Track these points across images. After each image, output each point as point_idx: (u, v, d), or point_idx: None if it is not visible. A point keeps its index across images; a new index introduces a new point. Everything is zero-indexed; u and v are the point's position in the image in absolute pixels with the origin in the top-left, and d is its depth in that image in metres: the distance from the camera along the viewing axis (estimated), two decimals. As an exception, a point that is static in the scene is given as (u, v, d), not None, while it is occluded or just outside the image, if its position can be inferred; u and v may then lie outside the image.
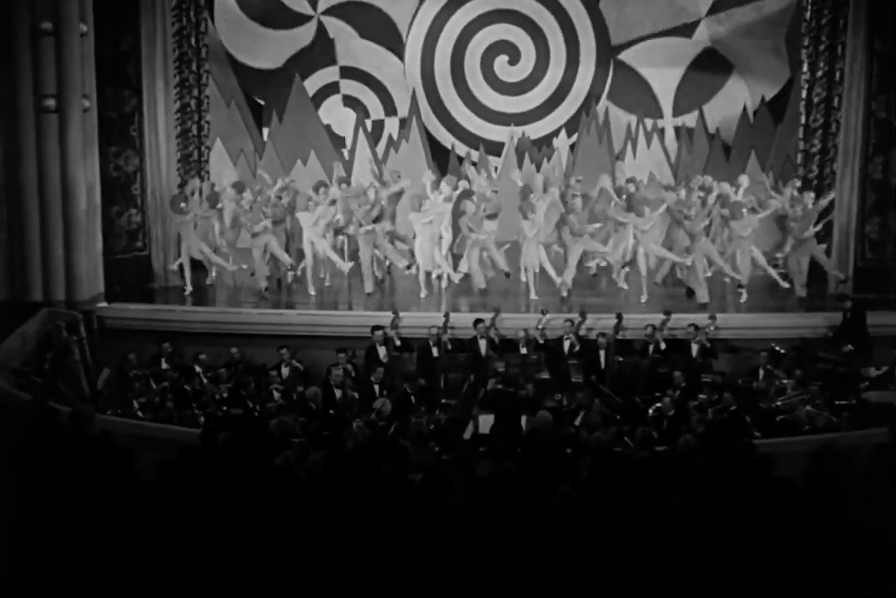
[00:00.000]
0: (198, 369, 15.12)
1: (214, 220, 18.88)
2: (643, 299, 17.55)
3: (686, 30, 22.01)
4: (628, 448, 10.68)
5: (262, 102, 22.26)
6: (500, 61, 22.63)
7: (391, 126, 22.53)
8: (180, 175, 19.97)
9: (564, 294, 17.44)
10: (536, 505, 7.69)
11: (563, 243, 18.09)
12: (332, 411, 13.49)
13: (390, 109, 22.53)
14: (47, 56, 16.21)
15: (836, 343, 15.72)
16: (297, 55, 22.28)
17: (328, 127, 22.37)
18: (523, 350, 15.52)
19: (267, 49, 22.21)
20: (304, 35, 22.28)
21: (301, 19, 22.22)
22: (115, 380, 15.00)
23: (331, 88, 22.48)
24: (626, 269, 18.02)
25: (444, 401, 14.33)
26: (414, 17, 22.32)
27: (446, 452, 10.91)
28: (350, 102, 22.48)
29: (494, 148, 22.57)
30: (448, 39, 22.46)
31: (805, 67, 19.99)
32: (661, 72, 22.16)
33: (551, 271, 17.63)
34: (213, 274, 18.83)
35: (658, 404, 13.52)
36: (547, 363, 15.39)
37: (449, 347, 15.58)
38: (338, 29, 22.30)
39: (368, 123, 22.40)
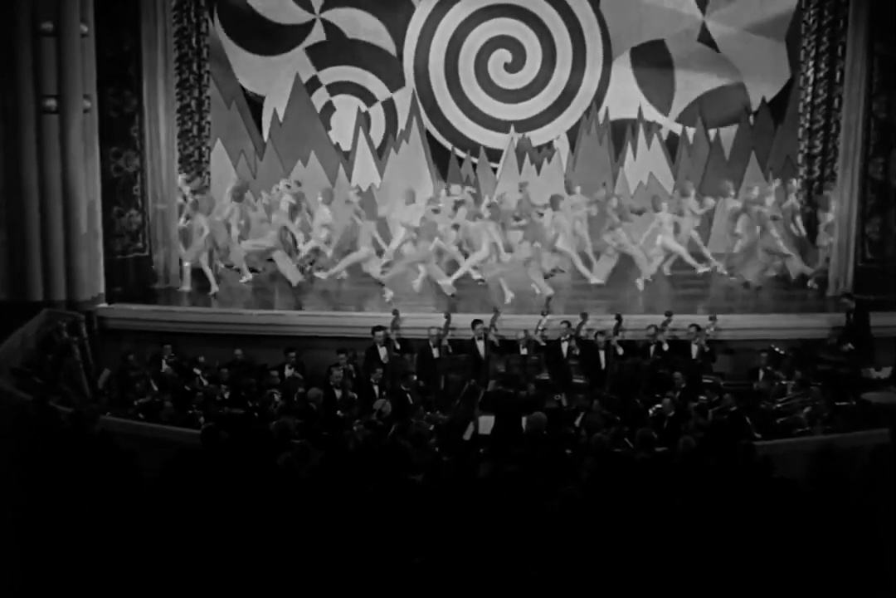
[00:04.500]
0: (197, 370, 15.12)
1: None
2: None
3: (686, 30, 21.99)
4: (628, 449, 10.68)
5: (262, 103, 22.23)
6: (500, 62, 22.59)
7: (391, 123, 22.47)
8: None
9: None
10: (537, 506, 7.69)
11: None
12: (332, 412, 13.49)
13: (391, 117, 22.43)
14: (48, 57, 16.18)
15: (839, 344, 15.74)
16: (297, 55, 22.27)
17: (328, 127, 22.35)
18: (523, 351, 15.52)
19: (266, 74, 22.16)
20: (311, 41, 22.24)
21: (303, 32, 22.16)
22: (115, 381, 14.99)
23: (331, 88, 22.42)
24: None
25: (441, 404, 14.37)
26: (413, 17, 22.29)
27: (446, 453, 10.92)
28: (350, 102, 22.41)
29: (494, 150, 22.62)
30: (447, 39, 22.41)
31: (805, 68, 20.01)
32: (691, 77, 22.06)
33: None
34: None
35: (658, 405, 13.52)
36: (547, 364, 15.40)
37: (450, 348, 15.59)
38: (345, 19, 22.19)
39: (370, 116, 22.38)
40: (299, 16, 22.05)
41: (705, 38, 21.94)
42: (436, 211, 18.59)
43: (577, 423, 12.81)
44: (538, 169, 22.46)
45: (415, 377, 14.71)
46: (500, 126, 22.60)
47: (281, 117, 22.15)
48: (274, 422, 11.35)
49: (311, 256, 18.99)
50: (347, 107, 22.36)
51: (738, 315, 17.06)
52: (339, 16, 22.11)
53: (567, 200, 19.03)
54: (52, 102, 16.28)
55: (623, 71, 22.22)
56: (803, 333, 16.22)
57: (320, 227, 18.94)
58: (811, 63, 19.74)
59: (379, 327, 15.59)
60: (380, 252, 18.87)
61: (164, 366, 15.37)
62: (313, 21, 22.10)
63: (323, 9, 22.06)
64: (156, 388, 14.45)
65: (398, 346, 15.66)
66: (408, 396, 14.16)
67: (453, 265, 18.80)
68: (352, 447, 10.00)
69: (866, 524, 7.52)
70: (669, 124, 22.20)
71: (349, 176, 22.08)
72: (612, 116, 22.13)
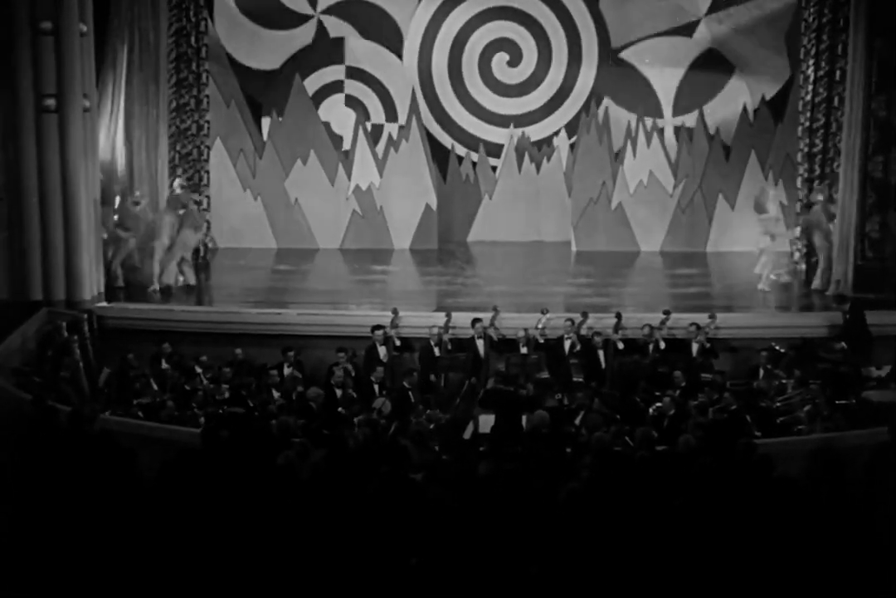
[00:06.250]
0: (198, 369, 15.10)
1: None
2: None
3: (686, 29, 22.02)
4: (629, 448, 10.67)
5: (261, 102, 22.22)
6: (500, 61, 22.63)
7: (391, 129, 22.45)
8: (179, 175, 20.04)
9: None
10: (537, 505, 7.69)
11: None
12: (333, 411, 13.47)
13: (391, 115, 22.44)
14: (47, 56, 16.17)
15: (833, 342, 15.78)
16: (298, 54, 22.21)
17: (328, 126, 22.34)
18: (523, 350, 15.51)
19: (266, 49, 22.12)
20: (304, 35, 22.22)
21: (301, 19, 22.18)
22: (115, 380, 14.98)
23: (332, 88, 22.41)
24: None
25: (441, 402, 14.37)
26: (413, 16, 22.32)
27: (446, 451, 10.91)
28: (352, 102, 22.41)
29: (494, 149, 22.66)
30: (447, 39, 22.45)
31: (805, 67, 20.00)
32: (662, 71, 22.15)
33: None
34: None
35: (658, 404, 13.49)
36: (547, 363, 15.38)
37: (449, 346, 15.58)
38: (338, 27, 22.24)
39: (368, 125, 22.37)
40: (301, 5, 22.12)
41: (705, 37, 21.96)
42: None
43: (577, 422, 12.80)
44: (538, 168, 22.51)
45: (415, 375, 14.70)
46: (499, 131, 22.65)
47: (280, 116, 22.14)
48: (274, 421, 11.36)
49: None
50: (348, 106, 22.36)
51: (738, 314, 17.07)
52: (337, 16, 22.17)
53: None
54: (51, 102, 16.27)
55: (621, 70, 22.26)
56: (803, 331, 16.21)
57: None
58: (811, 62, 19.72)
59: (378, 326, 15.58)
60: None
61: (165, 365, 15.36)
62: (312, 17, 22.14)
63: (323, 10, 22.12)
64: (156, 387, 14.43)
65: (398, 344, 15.65)
66: (409, 394, 14.16)
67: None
68: (352, 446, 9.99)
69: (866, 523, 7.52)
70: (669, 123, 22.21)
71: (349, 175, 22.08)
72: (612, 116, 22.13)
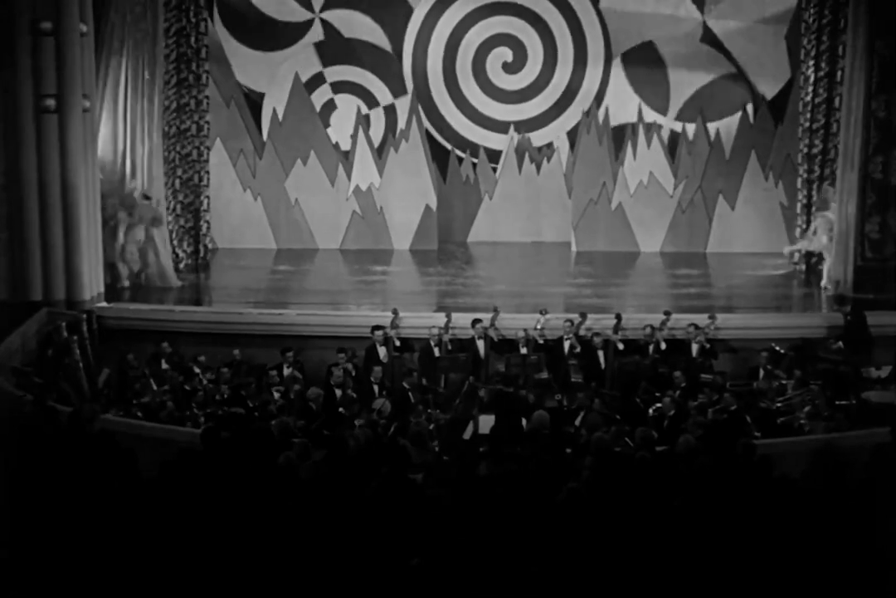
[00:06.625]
0: (196, 369, 15.09)
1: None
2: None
3: (686, 30, 22.02)
4: (629, 448, 10.67)
5: (261, 102, 22.23)
6: (501, 62, 22.62)
7: (390, 122, 22.44)
8: (179, 176, 20.04)
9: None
10: (537, 505, 7.69)
11: None
12: (333, 411, 13.47)
13: (391, 115, 22.45)
14: (47, 56, 16.17)
15: (833, 342, 15.81)
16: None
17: (327, 125, 22.34)
18: (523, 350, 15.51)
19: (265, 72, 22.17)
20: (310, 40, 22.24)
21: (302, 29, 22.16)
22: (114, 380, 14.99)
23: (333, 88, 22.41)
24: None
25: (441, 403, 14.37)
26: (412, 15, 22.34)
27: (446, 452, 10.91)
28: (354, 101, 22.41)
29: (494, 155, 22.71)
30: (447, 39, 22.46)
31: (805, 68, 20.02)
32: (663, 72, 22.13)
33: None
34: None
35: (658, 404, 13.50)
36: (547, 363, 15.39)
37: (449, 347, 15.58)
38: (344, 19, 22.19)
39: (370, 115, 22.36)
40: (299, 14, 22.07)
41: (705, 37, 21.97)
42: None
43: (577, 422, 12.80)
44: (538, 169, 22.51)
45: (415, 375, 14.70)
46: (499, 126, 22.67)
47: (280, 116, 22.15)
48: (274, 421, 11.35)
49: None
50: (348, 106, 22.36)
51: (738, 314, 17.08)
52: (338, 16, 22.15)
53: None
54: (51, 102, 16.26)
55: (621, 72, 22.25)
56: (803, 332, 16.23)
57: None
58: (811, 62, 19.76)
59: (378, 327, 15.59)
60: None
61: (164, 365, 15.36)
62: (312, 20, 22.13)
63: (323, 8, 22.09)
64: (155, 387, 14.43)
65: (398, 345, 15.65)
66: (409, 394, 14.15)
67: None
68: (352, 447, 9.99)
69: (866, 524, 7.51)
70: (669, 123, 22.22)
71: (349, 175, 22.10)
72: (612, 116, 22.12)
